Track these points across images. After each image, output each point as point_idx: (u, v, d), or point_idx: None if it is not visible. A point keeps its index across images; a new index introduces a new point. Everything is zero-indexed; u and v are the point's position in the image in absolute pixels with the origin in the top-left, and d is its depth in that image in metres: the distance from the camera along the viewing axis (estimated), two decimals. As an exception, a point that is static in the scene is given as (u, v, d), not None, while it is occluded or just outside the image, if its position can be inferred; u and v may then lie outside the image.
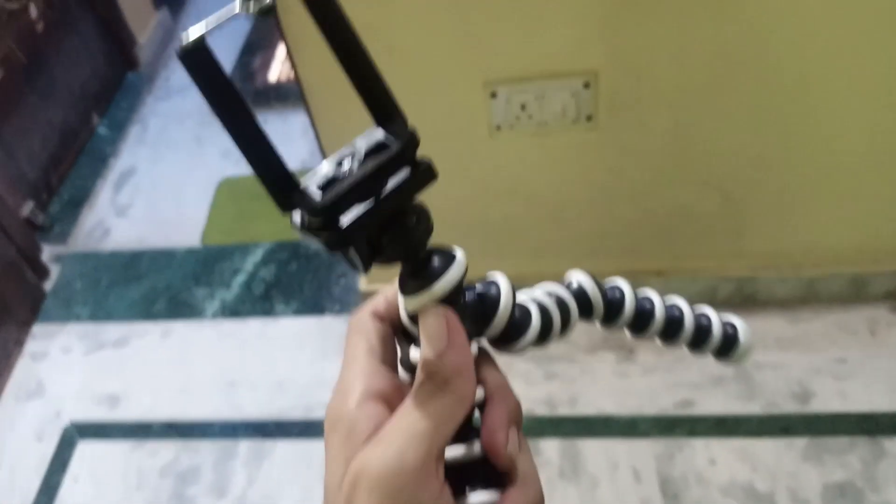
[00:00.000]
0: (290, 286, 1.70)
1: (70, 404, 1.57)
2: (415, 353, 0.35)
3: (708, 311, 0.44)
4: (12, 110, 1.86)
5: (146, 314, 1.71)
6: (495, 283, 0.36)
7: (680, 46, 1.10)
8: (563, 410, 1.43)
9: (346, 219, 0.29)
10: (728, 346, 0.44)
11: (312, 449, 1.43)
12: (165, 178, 2.05)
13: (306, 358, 1.56)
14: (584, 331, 1.56)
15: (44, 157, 1.97)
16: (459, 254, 0.33)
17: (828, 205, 1.34)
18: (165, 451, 1.46)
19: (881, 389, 1.37)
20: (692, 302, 0.45)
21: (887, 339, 1.44)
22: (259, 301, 1.68)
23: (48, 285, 1.80)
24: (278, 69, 2.37)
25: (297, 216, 0.30)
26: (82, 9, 2.15)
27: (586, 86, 1.14)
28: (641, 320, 0.42)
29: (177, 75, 2.40)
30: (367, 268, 0.32)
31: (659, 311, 0.42)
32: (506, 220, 1.40)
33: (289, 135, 2.06)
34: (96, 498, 1.42)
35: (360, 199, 0.30)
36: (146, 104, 2.29)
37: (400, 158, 0.31)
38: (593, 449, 1.37)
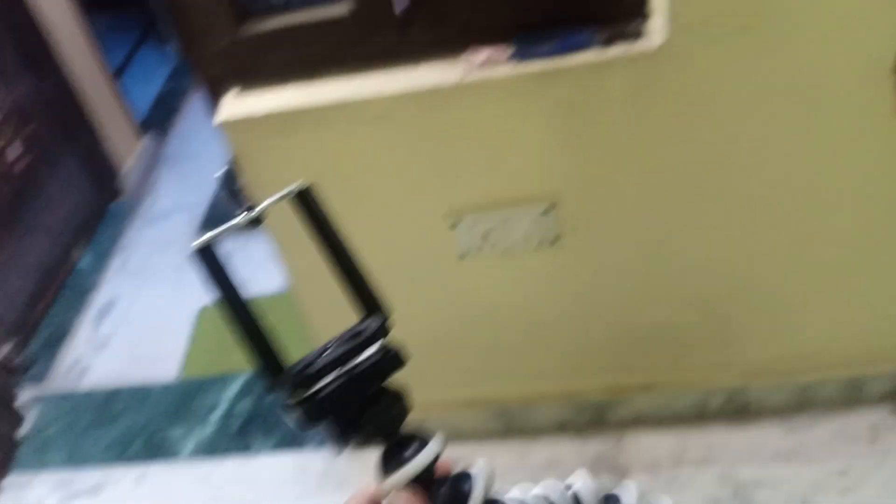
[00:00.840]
0: (268, 419, 1.65)
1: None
2: None
3: None
4: (-8, 252, 1.86)
5: (121, 457, 1.65)
6: (471, 477, 0.37)
7: (642, 165, 1.09)
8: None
9: (322, 392, 0.33)
10: None
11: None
12: (146, 309, 2.03)
13: (287, 499, 1.49)
14: (572, 452, 1.49)
15: (23, 296, 1.96)
16: (435, 439, 0.36)
17: (817, 307, 1.30)
18: None
19: (889, 502, 1.29)
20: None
21: (890, 445, 1.36)
22: (236, 437, 1.62)
23: (23, 432, 1.75)
24: (260, 190, 2.38)
25: (281, 399, 0.34)
26: (64, 144, 2.18)
27: (548, 210, 1.12)
28: None
29: (161, 202, 2.42)
30: (344, 442, 0.40)
31: None
32: (485, 344, 1.36)
33: (267, 258, 2.04)
34: None
35: (334, 377, 0.33)
36: (130, 232, 2.30)
37: (371, 341, 0.35)
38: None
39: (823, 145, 1.07)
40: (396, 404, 0.36)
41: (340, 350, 0.34)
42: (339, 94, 1.04)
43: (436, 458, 0.36)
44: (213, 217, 2.28)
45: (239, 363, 1.79)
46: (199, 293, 2.00)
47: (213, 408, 1.70)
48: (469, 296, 1.27)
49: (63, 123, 2.19)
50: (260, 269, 2.05)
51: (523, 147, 1.07)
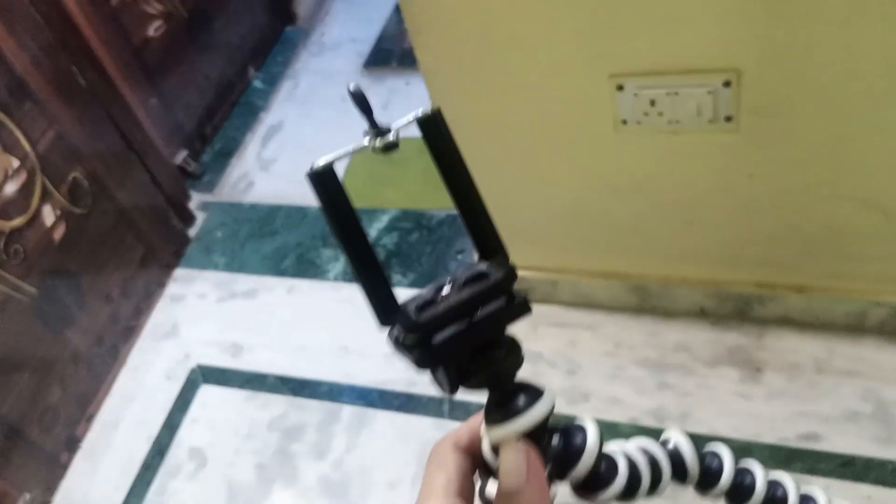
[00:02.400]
0: (410, 256, 1.71)
1: (198, 348, 1.67)
2: (492, 488, 0.36)
3: (817, 493, 0.42)
4: (173, 64, 1.97)
5: (275, 269, 1.78)
6: (583, 429, 0.36)
7: (843, 47, 0.96)
8: (672, 426, 1.34)
9: (438, 338, 0.31)
10: None
11: (411, 424, 1.44)
12: (310, 136, 2.11)
13: (416, 332, 1.57)
14: (706, 340, 1.45)
15: (200, 109, 2.09)
16: (548, 392, 0.34)
17: None
18: (276, 404, 1.53)
19: None
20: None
21: None
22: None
23: (193, 231, 1.92)
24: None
25: (392, 333, 0.32)
26: (245, -36, 2.22)
27: (726, 84, 1.03)
28: (739, 494, 0.40)
29: (332, 31, 2.44)
30: (453, 390, 0.33)
31: (760, 488, 0.40)
32: (631, 220, 1.31)
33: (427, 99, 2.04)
34: (210, 442, 1.52)
35: (454, 323, 0.31)
36: (300, 60, 2.35)
37: (497, 289, 0.32)
38: (699, 470, 1.28)
39: None
40: (512, 354, 0.34)
41: (462, 295, 0.32)
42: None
43: (550, 413, 0.34)
44: (379, 53, 2.28)
45: (389, 199, 1.85)
46: (359, 127, 2.05)
47: (360, 238, 1.77)
48: (625, 166, 1.21)
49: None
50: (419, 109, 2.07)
51: (705, 11, 0.96)
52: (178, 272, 1.84)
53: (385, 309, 0.31)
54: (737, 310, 1.42)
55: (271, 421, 1.51)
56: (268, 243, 1.85)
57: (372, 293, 0.32)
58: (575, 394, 1.42)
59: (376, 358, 1.55)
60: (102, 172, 1.61)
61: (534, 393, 0.34)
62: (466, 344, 0.32)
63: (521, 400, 0.34)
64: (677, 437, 0.39)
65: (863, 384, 1.31)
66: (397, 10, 2.41)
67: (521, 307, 0.33)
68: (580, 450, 0.35)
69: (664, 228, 1.31)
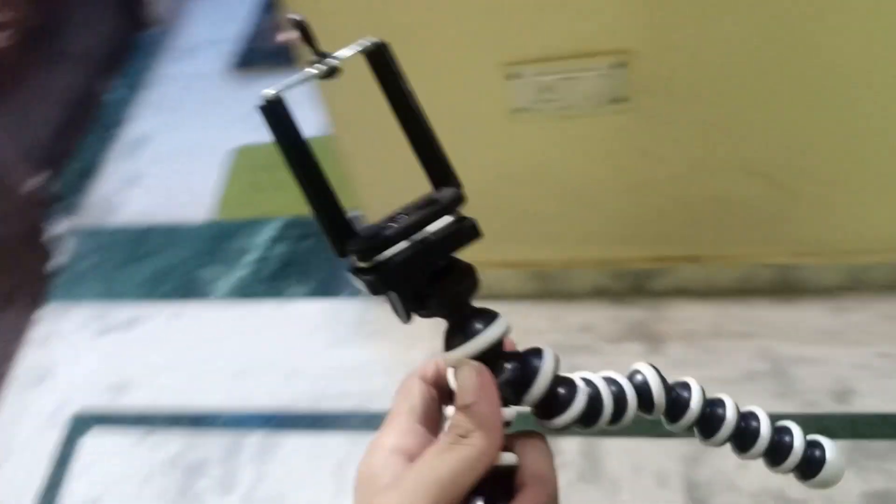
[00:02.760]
0: (305, 265, 1.63)
1: (78, 391, 1.53)
2: (450, 411, 0.37)
3: (793, 427, 0.42)
4: (22, 77, 1.79)
5: (155, 294, 1.66)
6: (539, 352, 0.37)
7: (728, 26, 0.98)
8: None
9: (391, 261, 0.32)
10: (811, 469, 0.41)
11: (322, 443, 1.38)
12: (179, 146, 1.98)
13: (319, 345, 1.50)
14: (608, 318, 1.47)
15: (54, 127, 1.91)
16: (501, 317, 0.36)
17: (879, 190, 1.23)
18: (173, 442, 1.42)
19: (930, 389, 1.27)
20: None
21: (939, 332, 1.33)
22: (271, 281, 1.62)
23: (59, 262, 1.76)
24: (294, 28, 2.25)
25: (350, 262, 0.33)
26: (89, -32, 2.06)
27: (619, 66, 1.03)
28: (709, 424, 0.41)
29: (193, 33, 2.30)
30: (408, 317, 0.34)
31: (730, 418, 0.41)
32: (530, 207, 1.31)
33: (307, 99, 1.96)
34: (104, 492, 1.39)
35: (406, 243, 0.32)
36: (161, 66, 2.20)
37: (445, 212, 0.34)
38: (615, 449, 1.30)
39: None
40: (467, 278, 0.35)
41: (413, 218, 0.33)
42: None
43: (503, 336, 0.36)
44: (248, 53, 2.17)
45: (274, 207, 1.76)
46: (235, 132, 1.95)
47: (246, 251, 1.68)
48: (519, 154, 1.20)
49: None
50: (300, 111, 1.98)
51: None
52: (47, 309, 1.68)
53: (341, 237, 0.32)
54: (634, 286, 1.44)
55: (169, 460, 1.40)
56: (144, 267, 1.71)
57: (328, 224, 0.32)
58: (488, 388, 1.40)
59: (276, 377, 1.47)
60: (-56, 207, 1.44)
61: (489, 317, 0.35)
62: (418, 266, 0.33)
63: (476, 324, 0.35)
64: (645, 369, 0.39)
65: (758, 344, 1.37)
66: (263, 6, 2.31)
67: (470, 230, 0.34)
68: (535, 372, 0.35)
69: (562, 213, 1.31)
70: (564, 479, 1.29)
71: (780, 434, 0.41)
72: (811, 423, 1.25)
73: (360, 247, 0.32)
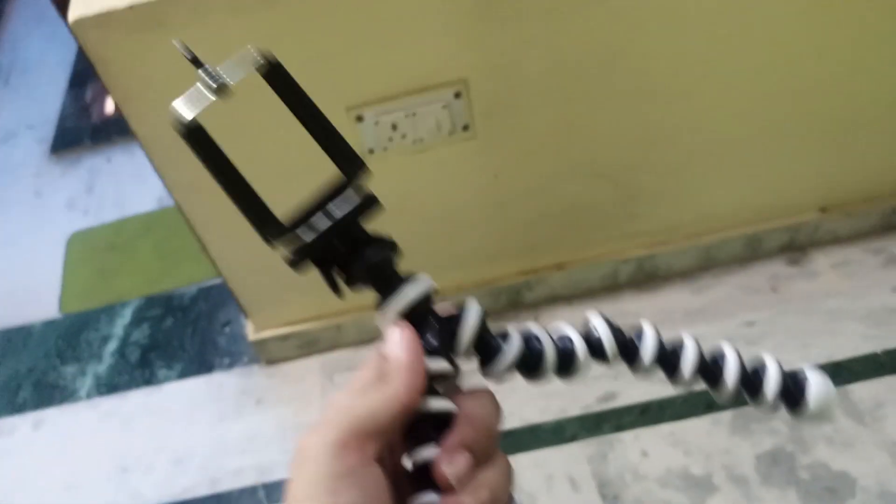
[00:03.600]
0: (170, 346, 1.54)
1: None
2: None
3: (768, 360, 0.41)
4: None
5: (11, 407, 1.50)
6: (465, 305, 0.39)
7: (548, 43, 1.03)
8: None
9: (308, 239, 0.36)
10: (792, 400, 0.39)
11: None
12: (7, 242, 1.82)
13: (203, 424, 1.42)
14: (494, 338, 1.49)
15: None
16: (422, 277, 0.38)
17: (717, 172, 1.32)
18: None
19: (793, 346, 1.37)
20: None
21: (789, 292, 1.45)
22: (137, 369, 1.51)
23: None
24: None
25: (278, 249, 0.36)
26: None
27: (457, 96, 1.05)
28: (669, 361, 0.40)
29: (3, 121, 2.13)
30: (337, 290, 0.38)
31: (691, 354, 0.40)
32: (399, 238, 1.30)
33: (140, 172, 1.87)
34: None
35: (319, 224, 0.36)
36: (-30, 160, 2.03)
37: (347, 188, 0.37)
38: (525, 463, 1.31)
39: (732, 18, 1.05)
40: (384, 248, 0.38)
41: (320, 199, 0.36)
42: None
43: (426, 292, 0.38)
44: (64, 134, 2.04)
45: (124, 290, 1.65)
46: (65, 219, 1.82)
47: (105, 340, 1.56)
48: (380, 191, 1.19)
49: None
50: (129, 186, 1.88)
51: (425, 33, 0.98)
52: None
53: (267, 228, 0.35)
54: (510, 301, 1.47)
55: (58, 583, 1.27)
56: (-11, 380, 1.56)
57: (255, 220, 0.35)
58: (388, 431, 1.37)
59: (165, 467, 1.37)
60: None
61: (412, 279, 0.38)
62: (332, 240, 0.36)
63: (397, 287, 0.38)
64: (594, 319, 0.41)
65: (633, 335, 1.43)
66: (72, 84, 2.17)
67: (369, 201, 0.37)
68: (459, 322, 0.38)
69: (431, 242, 1.32)
70: (478, 501, 1.28)
71: (753, 368, 0.41)
72: (698, 399, 1.33)
73: (280, 234, 0.35)
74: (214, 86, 0.35)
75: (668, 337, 0.42)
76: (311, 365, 1.45)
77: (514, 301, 1.47)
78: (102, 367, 1.52)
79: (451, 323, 0.39)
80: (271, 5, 0.91)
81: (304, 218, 0.36)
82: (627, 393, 1.37)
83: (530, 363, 0.39)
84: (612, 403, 1.36)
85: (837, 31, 1.11)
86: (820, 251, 1.49)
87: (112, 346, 1.56)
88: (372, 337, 1.46)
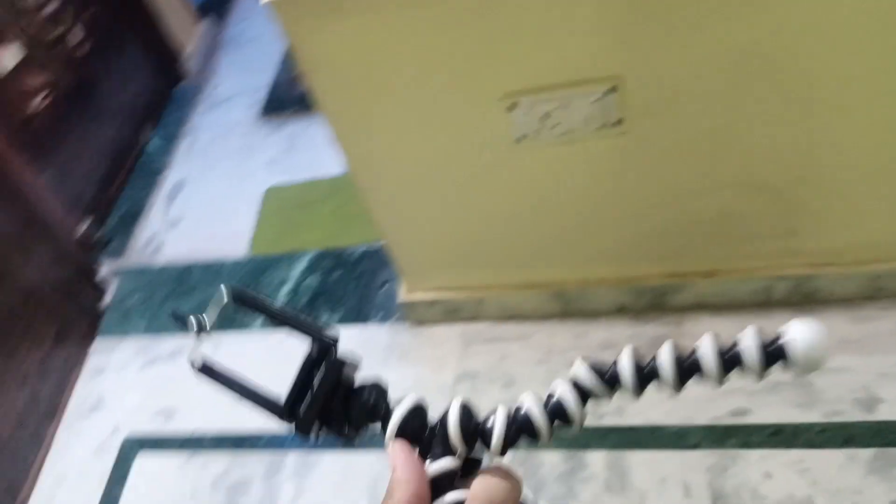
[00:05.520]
0: (335, 294, 1.71)
1: (128, 418, 1.62)
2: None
3: (746, 333, 0.39)
4: (64, 133, 1.92)
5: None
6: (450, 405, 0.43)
7: (705, 47, 1.03)
8: (610, 421, 1.38)
9: (301, 412, 0.42)
10: (776, 356, 0.38)
11: (356, 461, 1.43)
12: (214, 190, 2.09)
13: (350, 369, 1.56)
14: (629, 335, 1.50)
15: (98, 176, 2.04)
16: (410, 396, 0.43)
17: (890, 199, 1.24)
18: (217, 463, 1.50)
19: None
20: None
21: (963, 338, 1.33)
22: (305, 310, 1.69)
23: (106, 301, 1.86)
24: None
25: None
26: (126, 27, 2.20)
27: (611, 91, 1.08)
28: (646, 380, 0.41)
29: (224, 85, 2.43)
30: (344, 436, 0.43)
31: (666, 366, 0.40)
32: (543, 230, 1.36)
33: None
34: (152, 512, 1.47)
35: (305, 396, 0.43)
36: (195, 115, 2.33)
37: (317, 361, 0.43)
38: (641, 461, 1.32)
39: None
40: (371, 390, 0.43)
41: (299, 377, 0.43)
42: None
43: (415, 408, 0.43)
44: (274, 101, 2.28)
45: (307, 241, 1.84)
46: (264, 174, 2.05)
47: (281, 283, 1.76)
48: (527, 180, 1.25)
49: (121, 7, 2.19)
50: (323, 151, 2.08)
51: (583, 28, 1.02)
52: (97, 343, 1.78)
53: (280, 414, 0.43)
54: (654, 302, 1.48)
55: (214, 480, 1.47)
56: (186, 302, 1.81)
57: (269, 409, 0.43)
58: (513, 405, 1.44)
59: (313, 401, 1.53)
60: (5, 253, 1.55)
61: (400, 403, 0.43)
62: (319, 405, 0.42)
63: (390, 412, 0.43)
64: (575, 374, 0.42)
65: (778, 355, 1.39)
66: (286, 57, 2.43)
67: (335, 365, 0.43)
68: (445, 424, 0.42)
69: (574, 234, 1.36)
70: (591, 492, 1.32)
71: (729, 348, 0.39)
72: (837, 431, 1.27)
73: (287, 413, 0.42)
74: (201, 331, 0.45)
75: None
76: (452, 331, 1.55)
77: (658, 303, 1.47)
78: (277, 304, 1.72)
79: (442, 427, 0.42)
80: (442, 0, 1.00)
81: (299, 397, 0.43)
82: (761, 412, 1.33)
83: (525, 433, 0.42)
84: (743, 419, 1.33)
85: None
86: None
87: (287, 287, 1.75)
88: (511, 315, 1.53)
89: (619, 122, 1.11)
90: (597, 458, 1.34)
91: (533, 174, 1.23)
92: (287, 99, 2.26)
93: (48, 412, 1.63)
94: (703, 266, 1.40)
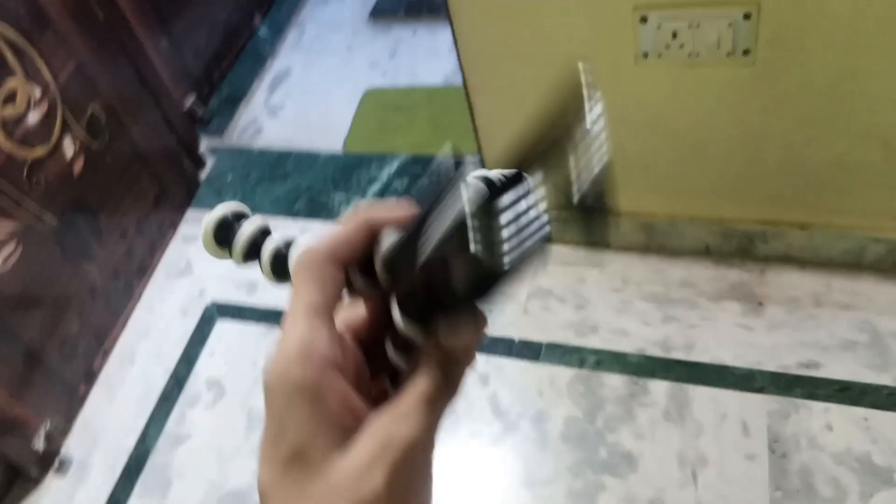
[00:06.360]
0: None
1: (213, 285, 1.71)
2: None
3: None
4: (183, 7, 1.97)
5: (288, 210, 1.81)
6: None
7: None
8: (678, 355, 1.40)
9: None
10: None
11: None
12: (316, 84, 2.13)
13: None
14: (710, 277, 1.51)
15: (208, 54, 2.10)
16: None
17: None
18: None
19: None
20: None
21: None
22: (390, 210, 1.74)
23: (203, 174, 1.94)
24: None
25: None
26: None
27: (746, 17, 1.07)
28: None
29: (336, -18, 2.45)
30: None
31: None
32: (642, 155, 1.36)
33: (436, 50, 2.07)
34: (228, 373, 1.56)
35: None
36: (305, 9, 2.36)
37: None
38: (703, 396, 1.34)
39: None
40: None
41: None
42: None
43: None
44: (384, 2, 2.29)
45: (399, 145, 1.88)
46: (366, 75, 2.08)
47: (371, 181, 1.81)
48: (642, 100, 1.25)
49: None
50: (425, 61, 2.09)
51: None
52: (190, 213, 1.87)
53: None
54: (740, 247, 1.47)
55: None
56: (279, 186, 1.87)
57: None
58: (584, 326, 1.47)
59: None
60: (118, 109, 1.62)
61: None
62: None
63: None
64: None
65: (859, 316, 1.38)
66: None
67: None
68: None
69: (674, 164, 1.35)
70: (648, 417, 1.34)
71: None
72: (907, 396, 1.27)
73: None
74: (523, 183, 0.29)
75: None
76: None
77: (745, 249, 1.47)
78: (364, 202, 1.77)
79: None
80: None
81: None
82: (832, 367, 1.33)
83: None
84: (813, 372, 1.33)
85: None
86: None
87: (376, 187, 1.80)
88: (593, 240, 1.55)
89: (747, 52, 1.10)
90: (660, 388, 1.37)
91: (648, 94, 1.23)
92: (397, 3, 2.27)
93: (140, 268, 1.73)
94: (798, 217, 1.39)
